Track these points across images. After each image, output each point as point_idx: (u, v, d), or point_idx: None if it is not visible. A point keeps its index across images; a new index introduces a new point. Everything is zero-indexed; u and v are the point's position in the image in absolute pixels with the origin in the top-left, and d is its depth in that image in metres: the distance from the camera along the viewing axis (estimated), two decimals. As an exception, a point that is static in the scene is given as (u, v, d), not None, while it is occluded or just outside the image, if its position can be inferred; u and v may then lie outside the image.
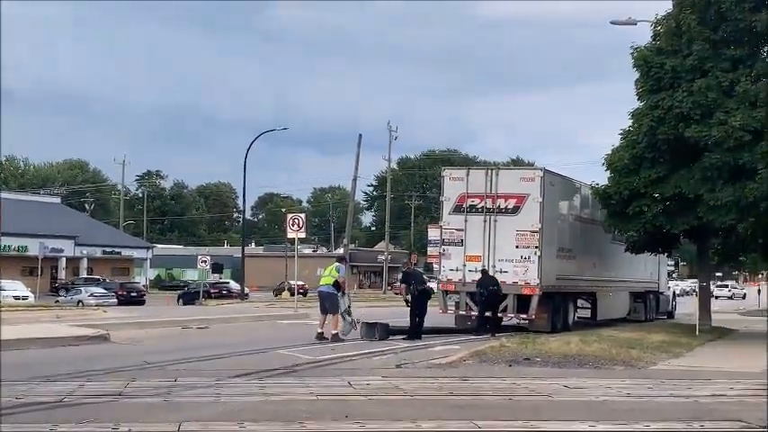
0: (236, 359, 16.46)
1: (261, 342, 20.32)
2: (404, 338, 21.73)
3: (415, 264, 23.26)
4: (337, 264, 22.04)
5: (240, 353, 17.61)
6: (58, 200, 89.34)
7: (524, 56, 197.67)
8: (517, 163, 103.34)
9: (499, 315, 25.07)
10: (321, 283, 21.83)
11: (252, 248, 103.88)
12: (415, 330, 22.28)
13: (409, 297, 22.87)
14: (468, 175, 25.83)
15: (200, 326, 26.25)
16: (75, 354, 16.99)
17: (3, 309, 34.44)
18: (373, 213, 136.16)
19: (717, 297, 63.13)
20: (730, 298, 77.79)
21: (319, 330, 21.10)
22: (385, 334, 21.87)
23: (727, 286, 72.67)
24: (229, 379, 13.10)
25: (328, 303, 21.32)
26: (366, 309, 37.56)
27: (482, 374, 14.05)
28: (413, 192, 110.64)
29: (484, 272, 24.25)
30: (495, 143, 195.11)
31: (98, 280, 63.91)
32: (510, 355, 16.57)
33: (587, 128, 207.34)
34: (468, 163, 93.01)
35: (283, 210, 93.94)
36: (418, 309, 22.49)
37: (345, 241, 58.75)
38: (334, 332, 20.91)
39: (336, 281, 21.27)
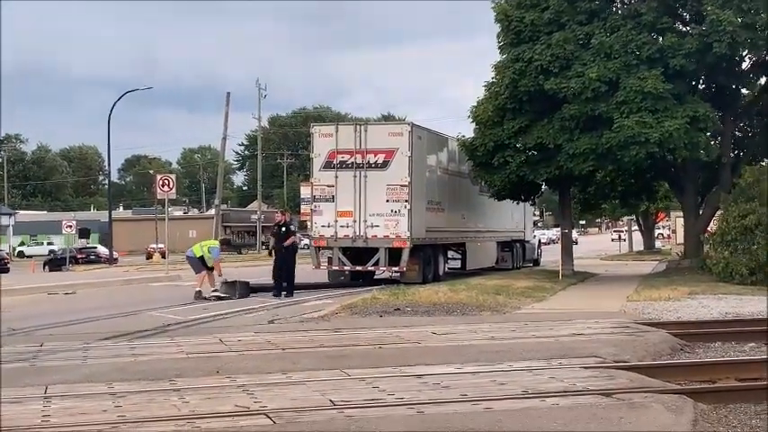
0: (106, 322, 16.22)
1: (131, 305, 20.06)
2: (273, 295, 21.78)
3: (281, 222, 23.06)
4: (215, 247, 22.09)
5: (109, 316, 17.37)
6: None
7: (393, 11, 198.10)
8: (388, 119, 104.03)
9: (371, 268, 25.46)
10: (192, 248, 22.40)
11: (120, 212, 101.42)
12: (281, 287, 22.15)
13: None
14: (337, 131, 25.91)
15: (68, 291, 25.63)
16: (-66, 325, 16.36)
17: None
18: (245, 173, 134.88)
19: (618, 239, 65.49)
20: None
21: (198, 289, 21.28)
22: (245, 291, 21.90)
23: (623, 231, 74.72)
24: (98, 342, 12.91)
25: (191, 265, 22.12)
26: (241, 269, 37.45)
27: (353, 326, 14.29)
28: (285, 150, 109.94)
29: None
30: (366, 100, 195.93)
31: (-43, 250, 61.27)
32: (381, 306, 16.90)
33: (458, 83, 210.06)
34: (339, 120, 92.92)
35: (152, 171, 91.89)
36: (282, 265, 22.44)
37: (217, 202, 58.09)
38: (197, 289, 21.20)
39: (202, 256, 21.62)
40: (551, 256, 38.71)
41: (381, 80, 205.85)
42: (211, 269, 21.55)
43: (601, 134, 24.73)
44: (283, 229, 22.82)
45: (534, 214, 45.84)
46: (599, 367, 9.68)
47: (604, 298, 20.05)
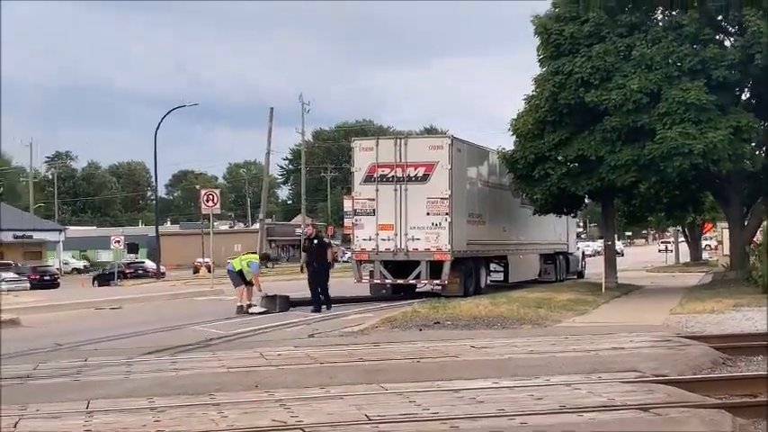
0: (149, 337, 16.47)
1: (175, 319, 20.33)
2: (312, 310, 21.84)
3: (311, 236, 23.02)
4: (254, 261, 22.23)
5: (153, 331, 17.63)
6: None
7: (436, 26, 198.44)
8: (430, 132, 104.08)
9: (412, 281, 25.51)
10: (232, 262, 22.72)
11: (167, 227, 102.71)
12: (319, 301, 22.16)
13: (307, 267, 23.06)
14: (377, 145, 26.04)
15: (114, 306, 26.04)
16: (-16, 340, 16.73)
17: None
18: (290, 187, 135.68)
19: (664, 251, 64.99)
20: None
21: (239, 303, 21.46)
22: (286, 305, 22.04)
23: (670, 243, 73.72)
24: (141, 356, 13.11)
25: (230, 279, 22.42)
26: (283, 282, 37.67)
27: (392, 340, 14.35)
28: (328, 164, 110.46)
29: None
30: (409, 113, 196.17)
31: (9, 265, 62.38)
32: (421, 320, 16.92)
33: (500, 96, 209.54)
34: (381, 133, 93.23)
35: (198, 186, 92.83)
36: (315, 280, 22.47)
37: (261, 216, 58.55)
38: (239, 304, 21.44)
39: (241, 270, 21.83)
40: (595, 269, 38.41)
41: (423, 94, 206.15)
42: (250, 283, 21.74)
43: (643, 145, 24.58)
44: (315, 241, 22.86)
45: (578, 226, 45.59)
46: (638, 381, 9.62)
47: (647, 311, 19.88)
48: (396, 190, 25.39)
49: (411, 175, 25.34)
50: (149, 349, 13.98)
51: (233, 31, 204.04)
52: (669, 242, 74.37)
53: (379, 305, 23.30)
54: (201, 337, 16.05)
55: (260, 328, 17.63)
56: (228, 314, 21.03)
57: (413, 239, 25.16)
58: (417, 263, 25.15)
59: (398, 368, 11.15)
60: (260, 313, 20.95)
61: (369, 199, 25.70)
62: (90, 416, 8.39)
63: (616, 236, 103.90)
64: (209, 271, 45.25)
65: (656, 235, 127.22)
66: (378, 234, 25.50)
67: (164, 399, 9.28)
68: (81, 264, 79.24)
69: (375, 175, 25.61)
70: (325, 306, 21.97)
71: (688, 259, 61.39)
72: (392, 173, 25.46)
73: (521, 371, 10.57)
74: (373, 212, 25.62)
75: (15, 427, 7.91)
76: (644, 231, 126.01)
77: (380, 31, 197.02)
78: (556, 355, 11.97)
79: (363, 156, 25.97)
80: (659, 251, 66.92)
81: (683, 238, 67.78)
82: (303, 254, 24.10)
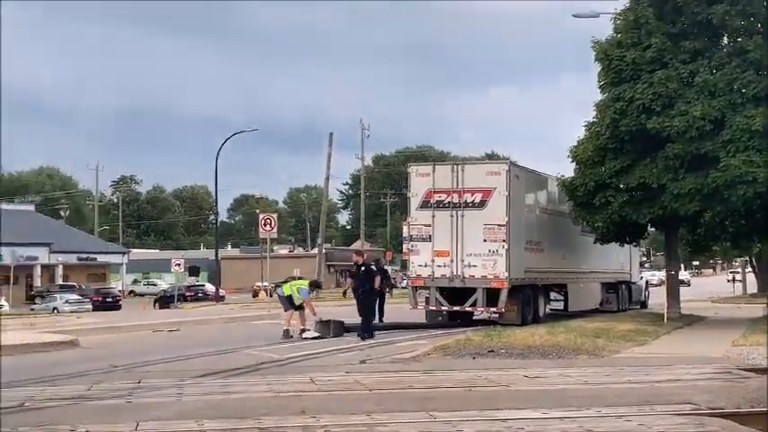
0: (203, 360, 16.56)
1: (230, 342, 20.45)
2: (357, 335, 21.51)
3: (359, 263, 22.81)
4: (304, 288, 22.25)
5: (208, 353, 17.72)
6: (31, 207, 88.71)
7: (495, 49, 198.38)
8: (492, 158, 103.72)
9: (468, 309, 25.28)
10: (282, 287, 22.91)
11: (228, 251, 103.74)
12: (365, 328, 21.81)
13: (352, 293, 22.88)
14: (434, 170, 25.94)
15: (171, 328, 26.31)
16: (42, 360, 17.05)
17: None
18: (349, 212, 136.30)
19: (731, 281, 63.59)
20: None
21: (285, 328, 21.45)
22: (340, 330, 21.96)
23: (738, 273, 71.89)
24: (193, 379, 13.18)
25: (281, 303, 22.56)
26: (338, 308, 37.64)
27: (444, 367, 14.21)
28: (388, 189, 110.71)
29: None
30: (470, 138, 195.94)
31: (73, 287, 63.67)
32: (474, 348, 16.73)
33: (563, 122, 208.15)
34: (442, 158, 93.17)
35: (257, 211, 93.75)
36: (363, 306, 22.26)
37: (319, 241, 58.85)
38: (285, 328, 21.58)
39: (291, 295, 21.92)
40: (660, 298, 37.66)
41: (485, 119, 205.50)
42: (300, 308, 21.78)
43: (707, 174, 24.11)
44: (362, 269, 22.67)
45: (642, 255, 44.79)
46: (691, 414, 9.36)
47: (709, 342, 19.39)
48: (452, 216, 25.25)
49: (468, 201, 25.18)
50: (202, 372, 14.06)
51: (293, 57, 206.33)
52: (738, 272, 72.73)
53: (434, 332, 23.12)
54: (254, 360, 16.10)
55: (312, 352, 17.62)
56: (292, 339, 21.09)
57: (469, 266, 24.95)
58: (474, 290, 24.93)
59: (448, 396, 11.01)
60: (314, 338, 20.95)
61: (425, 225, 25.59)
62: (137, 437, 8.44)
63: (683, 265, 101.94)
64: (269, 295, 45.53)
65: (725, 265, 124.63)
66: (434, 260, 25.34)
67: (212, 422, 9.29)
68: (158, 288, 79.03)
69: (431, 201, 25.51)
70: (366, 333, 21.53)
71: (755, 290, 59.89)
72: (449, 199, 25.34)
73: (572, 401, 10.35)
74: (429, 238, 25.48)
75: (63, 447, 7.98)
76: (711, 261, 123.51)
77: (439, 56, 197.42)
78: (610, 386, 11.72)
79: (420, 181, 25.92)
80: (728, 281, 65.40)
81: (750, 269, 66.21)
82: (349, 279, 23.94)
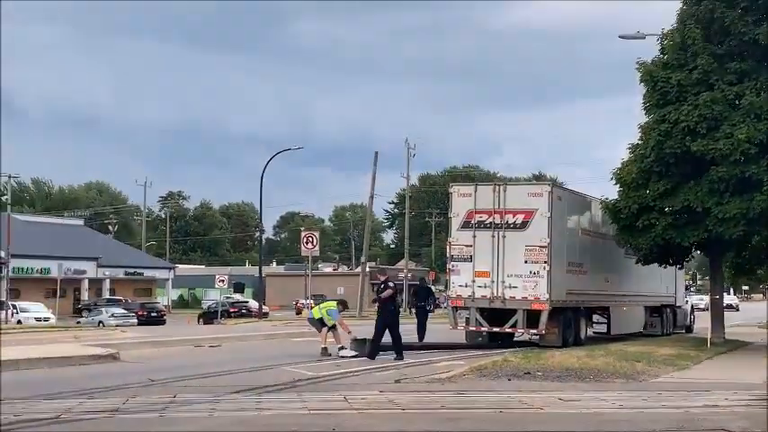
0: (241, 376, 16.67)
1: (269, 359, 20.55)
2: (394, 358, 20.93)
3: (381, 282, 22.53)
4: (333, 309, 22.24)
5: (246, 370, 17.84)
6: (80, 222, 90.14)
7: (546, 70, 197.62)
8: (539, 179, 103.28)
9: (508, 330, 25.14)
10: (312, 311, 23.22)
11: (273, 268, 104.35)
12: (399, 347, 21.23)
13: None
14: (475, 191, 25.89)
15: (213, 344, 26.50)
16: (83, 372, 17.27)
17: (23, 330, 34.87)
18: (395, 231, 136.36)
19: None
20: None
21: (323, 346, 21.49)
22: (374, 350, 21.79)
23: None
24: (228, 395, 13.28)
25: (314, 326, 22.62)
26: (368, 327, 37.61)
27: (479, 389, 14.15)
28: (433, 208, 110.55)
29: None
30: (516, 159, 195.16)
31: (120, 301, 64.46)
32: (511, 369, 16.64)
33: (610, 143, 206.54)
34: (488, 179, 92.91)
35: (301, 228, 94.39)
36: (386, 324, 21.34)
37: (363, 259, 58.86)
38: (322, 346, 21.57)
39: (321, 318, 21.98)
40: (706, 323, 37.10)
41: (533, 139, 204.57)
42: (334, 327, 21.82)
43: (752, 197, 23.75)
44: (382, 286, 22.34)
45: (690, 279, 44.23)
46: (725, 442, 9.23)
47: (751, 369, 19.00)
48: (493, 237, 25.15)
49: (509, 222, 25.08)
50: (238, 388, 14.15)
51: (339, 75, 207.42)
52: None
53: (474, 353, 23.02)
54: (291, 377, 16.15)
55: (349, 371, 17.65)
56: (330, 356, 21.15)
57: (510, 287, 24.82)
58: (514, 311, 24.79)
59: (478, 417, 10.98)
60: (352, 357, 20.96)
61: (466, 245, 25.52)
62: (167, 451, 8.54)
63: (732, 290, 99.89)
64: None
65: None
66: (474, 281, 25.26)
67: (241, 437, 9.37)
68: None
69: (473, 222, 25.45)
70: (395, 354, 20.93)
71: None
72: (490, 219, 25.25)
73: (605, 426, 10.29)
74: (470, 259, 25.41)
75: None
76: (762, 286, 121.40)
77: (485, 74, 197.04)
78: (644, 411, 11.60)
79: (461, 201, 25.88)
80: None
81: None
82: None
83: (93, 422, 10.58)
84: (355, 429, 9.85)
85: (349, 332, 22.09)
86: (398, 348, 21.20)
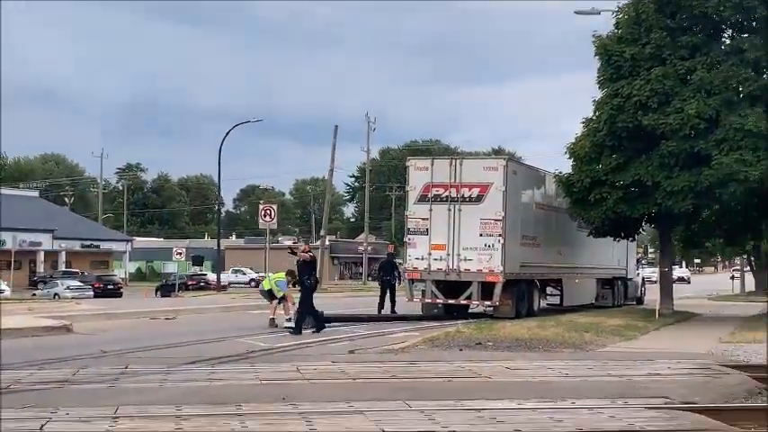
0: (194, 347, 16.75)
1: (225, 331, 20.66)
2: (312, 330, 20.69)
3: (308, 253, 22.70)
4: (281, 280, 22.23)
5: (200, 341, 17.93)
6: (36, 194, 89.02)
7: (506, 45, 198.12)
8: (497, 153, 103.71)
9: (463, 302, 25.46)
10: (262, 282, 23.92)
11: (233, 240, 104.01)
12: (317, 318, 21.14)
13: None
14: (432, 164, 26.10)
15: (168, 317, 26.50)
16: (35, 344, 17.26)
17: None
18: (355, 204, 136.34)
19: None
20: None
21: (270, 317, 21.73)
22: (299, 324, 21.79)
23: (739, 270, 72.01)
24: (181, 366, 13.35)
25: (264, 297, 23.08)
26: (342, 299, 37.87)
27: (430, 359, 14.38)
28: (393, 182, 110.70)
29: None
30: (477, 134, 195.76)
31: (76, 273, 63.94)
32: (463, 340, 16.92)
33: (569, 117, 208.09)
34: (448, 153, 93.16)
35: (261, 201, 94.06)
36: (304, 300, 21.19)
37: (322, 233, 58.99)
38: (270, 317, 21.92)
39: (270, 289, 22.26)
40: (656, 295, 37.75)
41: (494, 115, 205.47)
42: (283, 299, 21.92)
43: (700, 171, 24.21)
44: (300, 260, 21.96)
45: (641, 252, 44.84)
46: (664, 408, 9.51)
47: (696, 339, 19.53)
48: (449, 210, 25.40)
49: (465, 196, 25.32)
50: (191, 359, 14.24)
51: (302, 49, 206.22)
52: (739, 270, 72.74)
53: (428, 324, 23.30)
54: (244, 349, 16.27)
55: (303, 342, 17.82)
56: (277, 328, 21.24)
57: (465, 260, 25.12)
58: (469, 283, 25.11)
59: (428, 387, 11.18)
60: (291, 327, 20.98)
61: (422, 218, 25.76)
62: (115, 421, 8.62)
63: (684, 263, 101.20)
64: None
65: (726, 263, 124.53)
66: (430, 254, 25.53)
67: (191, 407, 9.46)
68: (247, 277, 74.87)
69: (429, 195, 25.66)
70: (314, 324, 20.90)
71: (754, 288, 59.91)
72: (446, 193, 25.48)
73: (548, 393, 10.52)
74: (426, 232, 25.66)
75: (41, 429, 8.17)
76: (713, 259, 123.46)
77: (448, 51, 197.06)
78: (588, 379, 11.88)
79: (418, 175, 26.06)
80: (731, 278, 65.47)
81: (748, 267, 66.23)
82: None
83: (42, 393, 10.60)
84: (306, 399, 9.98)
85: (293, 304, 22.02)
86: (299, 323, 20.56)
